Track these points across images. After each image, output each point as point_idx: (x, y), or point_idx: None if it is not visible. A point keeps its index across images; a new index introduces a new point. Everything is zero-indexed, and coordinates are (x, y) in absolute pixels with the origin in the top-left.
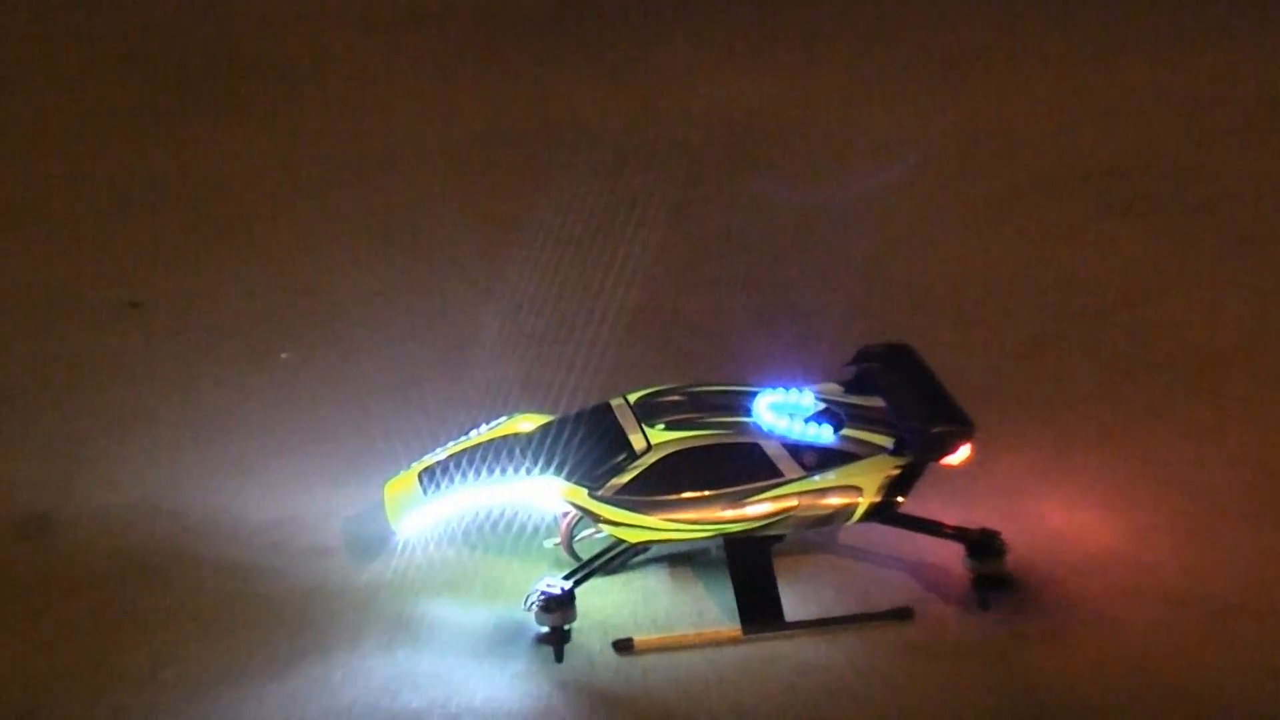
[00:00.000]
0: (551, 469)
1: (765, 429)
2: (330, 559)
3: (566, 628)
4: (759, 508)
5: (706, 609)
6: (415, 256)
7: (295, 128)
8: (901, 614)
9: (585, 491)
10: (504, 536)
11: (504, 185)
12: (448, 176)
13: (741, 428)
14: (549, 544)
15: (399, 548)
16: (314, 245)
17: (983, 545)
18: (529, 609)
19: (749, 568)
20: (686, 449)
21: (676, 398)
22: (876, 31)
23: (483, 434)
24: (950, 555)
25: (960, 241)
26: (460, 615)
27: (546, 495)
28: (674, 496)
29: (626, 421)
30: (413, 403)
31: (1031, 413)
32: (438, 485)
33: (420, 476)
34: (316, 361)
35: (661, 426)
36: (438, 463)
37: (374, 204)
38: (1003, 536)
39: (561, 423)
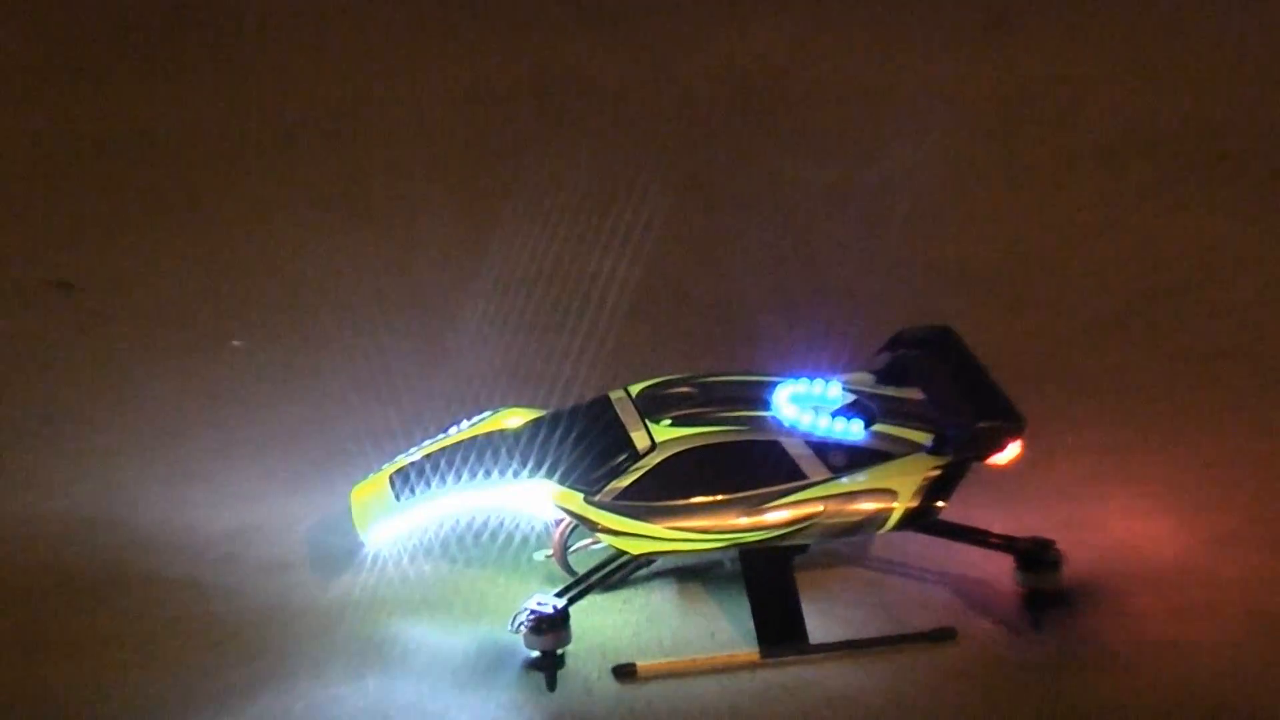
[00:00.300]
0: (542, 471)
1: (786, 424)
2: (291, 574)
3: (560, 652)
4: (779, 514)
5: (720, 630)
6: (387, 230)
7: (247, 82)
8: (942, 635)
9: (581, 496)
10: (488, 548)
11: (490, 150)
12: (425, 140)
13: (759, 423)
14: (540, 556)
15: (369, 561)
16: (270, 217)
17: (1035, 557)
18: (517, 630)
19: (768, 583)
20: (696, 448)
21: (685, 390)
22: None
23: (464, 431)
24: (998, 568)
25: (1009, 214)
26: (439, 638)
27: (537, 501)
28: (682, 502)
29: (628, 417)
30: (384, 396)
31: (1090, 406)
32: (412, 490)
33: (392, 480)
34: (274, 350)
35: (668, 422)
36: (412, 464)
37: (340, 170)
38: (1057, 546)
39: (554, 418)
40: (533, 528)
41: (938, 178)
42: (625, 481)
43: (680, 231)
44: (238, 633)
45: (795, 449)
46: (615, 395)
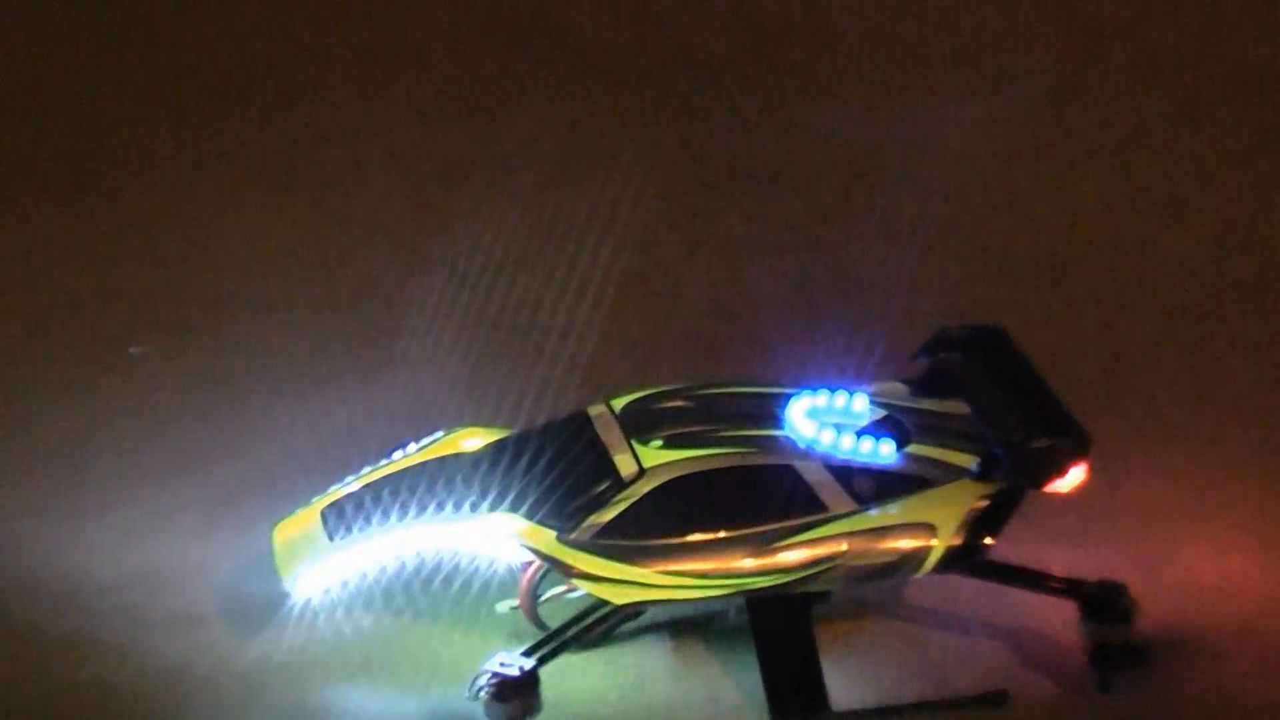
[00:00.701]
0: (506, 503)
1: (802, 445)
2: (201, 630)
3: None
4: (794, 554)
5: (723, 695)
6: (323, 209)
7: (159, 36)
8: (993, 699)
9: (553, 534)
10: (441, 598)
11: (447, 113)
12: (369, 100)
13: (769, 444)
14: (504, 607)
15: (295, 613)
16: (185, 195)
17: (1103, 603)
18: (476, 697)
19: (781, 638)
20: (693, 474)
21: (679, 404)
22: None
23: (412, 455)
24: (1059, 618)
25: (1071, 189)
26: (381, 707)
27: (499, 540)
28: (676, 540)
29: (610, 437)
30: (316, 412)
31: (1167, 421)
32: (349, 527)
33: (324, 515)
34: (184, 356)
35: (658, 443)
36: (349, 495)
37: (268, 139)
38: (1129, 591)
39: (520, 439)
40: (495, 573)
41: (986, 144)
42: (607, 516)
43: (676, 207)
44: (136, 701)
45: (813, 475)
46: (595, 411)
